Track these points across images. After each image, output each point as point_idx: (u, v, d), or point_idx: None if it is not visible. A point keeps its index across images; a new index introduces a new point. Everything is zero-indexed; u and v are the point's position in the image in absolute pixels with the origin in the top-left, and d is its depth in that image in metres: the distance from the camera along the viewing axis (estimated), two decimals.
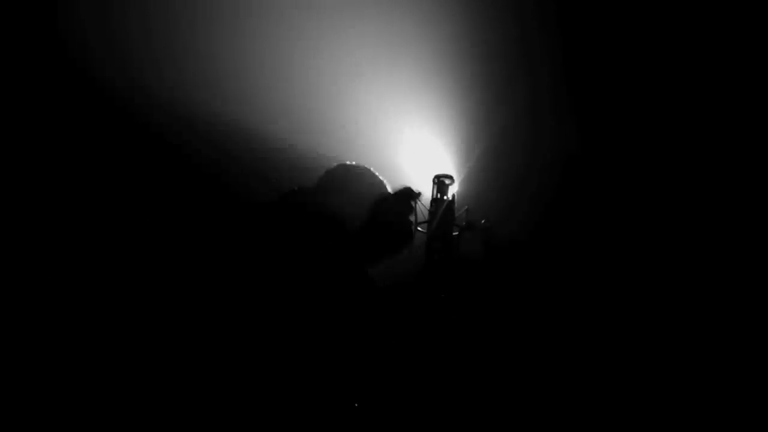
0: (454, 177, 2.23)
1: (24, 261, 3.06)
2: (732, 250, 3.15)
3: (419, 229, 2.21)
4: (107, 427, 2.82)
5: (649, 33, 3.29)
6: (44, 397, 2.91)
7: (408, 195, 2.20)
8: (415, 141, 2.26)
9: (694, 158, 3.26)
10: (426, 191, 2.23)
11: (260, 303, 2.05)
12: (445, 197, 2.20)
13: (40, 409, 2.89)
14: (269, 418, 1.98)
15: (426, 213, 2.21)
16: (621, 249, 3.22)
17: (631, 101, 3.32)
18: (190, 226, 3.11)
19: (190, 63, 3.20)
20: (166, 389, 2.60)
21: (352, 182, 2.23)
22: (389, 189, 2.28)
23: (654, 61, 3.30)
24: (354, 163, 2.30)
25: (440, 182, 2.21)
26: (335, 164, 2.30)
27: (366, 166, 2.29)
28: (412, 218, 2.20)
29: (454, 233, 2.19)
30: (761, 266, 3.10)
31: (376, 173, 2.28)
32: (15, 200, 3.10)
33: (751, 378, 2.98)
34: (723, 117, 3.24)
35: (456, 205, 2.21)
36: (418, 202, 2.21)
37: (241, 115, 3.21)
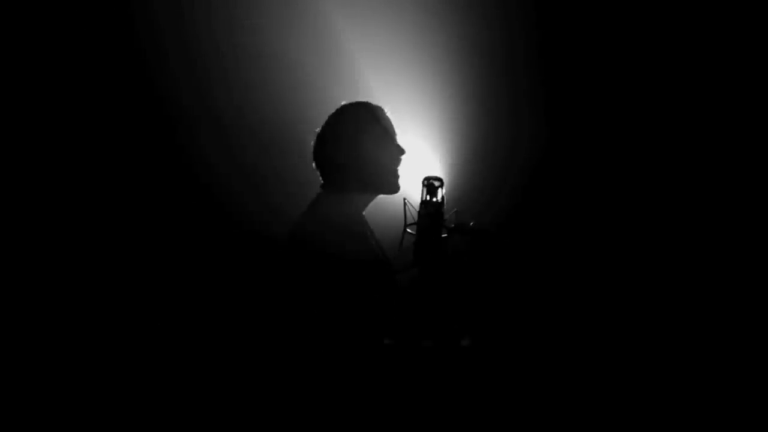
0: (443, 179, 2.24)
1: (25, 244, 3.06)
2: (706, 241, 3.24)
3: (408, 231, 2.21)
4: (107, 427, 2.81)
5: (625, 40, 3.35)
6: (44, 397, 2.89)
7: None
8: (404, 143, 2.26)
9: (668, 156, 3.32)
10: (415, 194, 2.23)
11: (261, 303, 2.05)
12: (434, 199, 2.20)
13: (40, 409, 2.86)
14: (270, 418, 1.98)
15: (415, 215, 2.21)
16: (611, 246, 3.27)
17: (603, 104, 3.39)
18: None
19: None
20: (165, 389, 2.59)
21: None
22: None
23: (627, 66, 3.37)
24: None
25: (429, 184, 2.20)
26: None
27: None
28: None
29: (443, 235, 2.20)
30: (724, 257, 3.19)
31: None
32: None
33: (747, 373, 3.03)
34: (698, 117, 3.31)
35: (445, 207, 2.22)
36: (408, 204, 2.22)
37: (232, 118, 3.23)
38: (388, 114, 2.27)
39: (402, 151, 2.25)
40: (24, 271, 3.07)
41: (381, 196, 2.28)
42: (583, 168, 3.38)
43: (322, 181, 2.25)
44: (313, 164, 2.26)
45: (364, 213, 2.27)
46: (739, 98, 3.27)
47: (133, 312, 3.11)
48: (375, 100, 2.30)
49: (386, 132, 2.23)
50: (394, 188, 2.25)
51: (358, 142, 2.19)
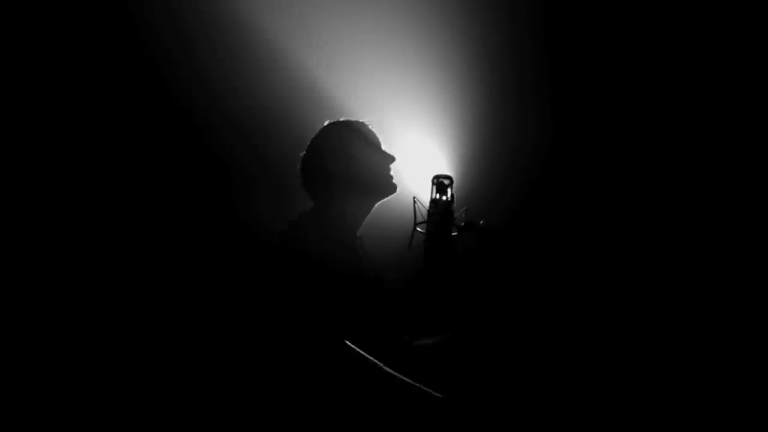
0: (453, 177, 2.23)
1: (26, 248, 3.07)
2: (709, 240, 3.23)
3: (418, 229, 2.21)
4: (107, 427, 2.81)
5: (633, 36, 3.35)
6: (44, 397, 2.90)
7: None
8: (413, 142, 2.27)
9: (675, 152, 3.33)
10: (425, 192, 2.23)
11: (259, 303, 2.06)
12: (444, 198, 2.20)
13: (40, 409, 2.87)
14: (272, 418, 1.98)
15: (425, 213, 2.21)
16: (618, 245, 3.27)
17: (611, 101, 3.39)
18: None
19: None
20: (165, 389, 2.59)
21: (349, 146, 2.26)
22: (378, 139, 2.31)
23: (634, 62, 3.37)
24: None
25: (439, 183, 2.21)
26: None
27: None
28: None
29: (453, 233, 2.20)
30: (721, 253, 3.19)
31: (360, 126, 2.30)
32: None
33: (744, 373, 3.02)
34: (704, 115, 3.31)
35: (455, 205, 2.22)
36: (417, 203, 2.22)
37: (235, 118, 3.23)
38: (371, 127, 2.33)
39: (391, 158, 2.29)
40: (24, 270, 3.08)
41: (387, 199, 2.29)
42: (592, 164, 3.38)
43: (310, 198, 2.27)
44: (301, 183, 2.30)
45: (362, 225, 2.28)
46: (744, 89, 3.26)
47: (126, 312, 3.10)
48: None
49: (366, 140, 2.28)
50: (388, 189, 2.28)
51: (344, 149, 2.25)
